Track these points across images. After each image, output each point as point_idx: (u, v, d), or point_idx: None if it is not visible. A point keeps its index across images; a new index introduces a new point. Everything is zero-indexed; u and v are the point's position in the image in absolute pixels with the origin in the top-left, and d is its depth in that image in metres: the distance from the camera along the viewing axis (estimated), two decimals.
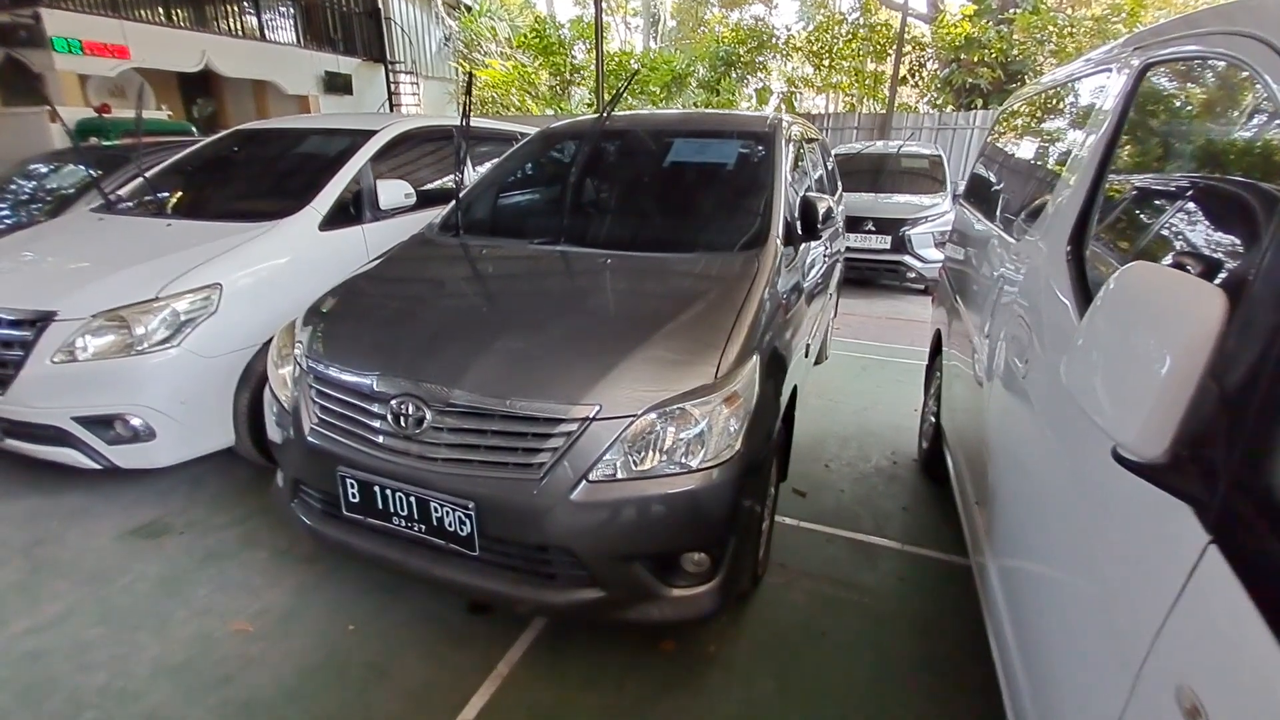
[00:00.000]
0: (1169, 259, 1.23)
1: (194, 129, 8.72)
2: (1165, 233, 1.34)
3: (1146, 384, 0.80)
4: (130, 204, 3.64)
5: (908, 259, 7.18)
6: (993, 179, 3.27)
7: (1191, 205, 1.29)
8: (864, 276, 7.50)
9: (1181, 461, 0.82)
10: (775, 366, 2.19)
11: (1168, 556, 0.85)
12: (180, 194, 3.75)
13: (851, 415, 4.05)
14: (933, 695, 2.01)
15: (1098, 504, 1.12)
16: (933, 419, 3.20)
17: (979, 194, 3.39)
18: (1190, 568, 0.80)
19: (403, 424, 1.88)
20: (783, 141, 3.02)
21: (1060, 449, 1.36)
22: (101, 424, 2.69)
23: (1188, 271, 0.96)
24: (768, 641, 2.21)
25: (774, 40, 16.87)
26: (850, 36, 16.09)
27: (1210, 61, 1.31)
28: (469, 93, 3.09)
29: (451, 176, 3.47)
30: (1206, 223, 1.24)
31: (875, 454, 3.54)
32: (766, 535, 2.42)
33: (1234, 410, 0.79)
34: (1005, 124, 3.49)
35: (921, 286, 7.52)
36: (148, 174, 3.71)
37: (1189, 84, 1.50)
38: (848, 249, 6.31)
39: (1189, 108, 1.50)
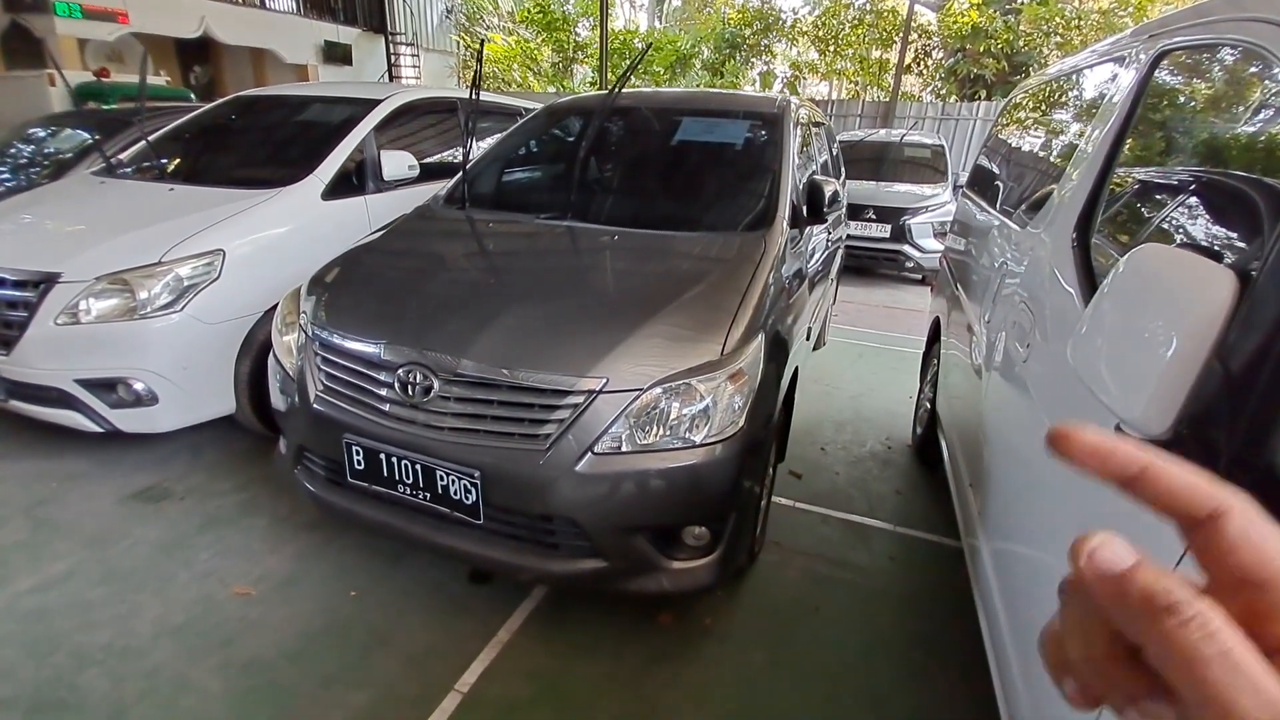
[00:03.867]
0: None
1: (192, 96, 8.61)
2: (1170, 225, 1.36)
3: (1153, 363, 0.82)
4: (131, 168, 3.61)
5: (907, 248, 7.20)
6: (996, 170, 3.28)
7: (1200, 198, 1.31)
8: (863, 264, 7.52)
9: (1183, 439, 0.84)
10: (778, 348, 2.21)
11: (1164, 533, 0.88)
12: (182, 159, 3.72)
13: (848, 400, 4.08)
14: (920, 671, 2.06)
15: (1093, 485, 1.15)
16: (928, 405, 3.24)
17: (982, 184, 3.40)
18: (1186, 544, 0.83)
19: (409, 392, 1.89)
20: (791, 124, 3.02)
21: None
22: (104, 387, 2.69)
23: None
24: (762, 616, 2.25)
25: (780, 23, 16.71)
26: (856, 22, 15.96)
27: (1224, 49, 1.32)
28: (480, 62, 3.07)
29: (456, 149, 3.46)
30: (1215, 216, 1.26)
31: (870, 438, 3.59)
32: (764, 514, 2.46)
33: (1238, 391, 0.82)
34: (1010, 115, 3.49)
35: (919, 276, 7.54)
36: (150, 138, 3.68)
37: (1202, 74, 1.51)
38: (848, 236, 6.32)
39: (1202, 98, 1.51)
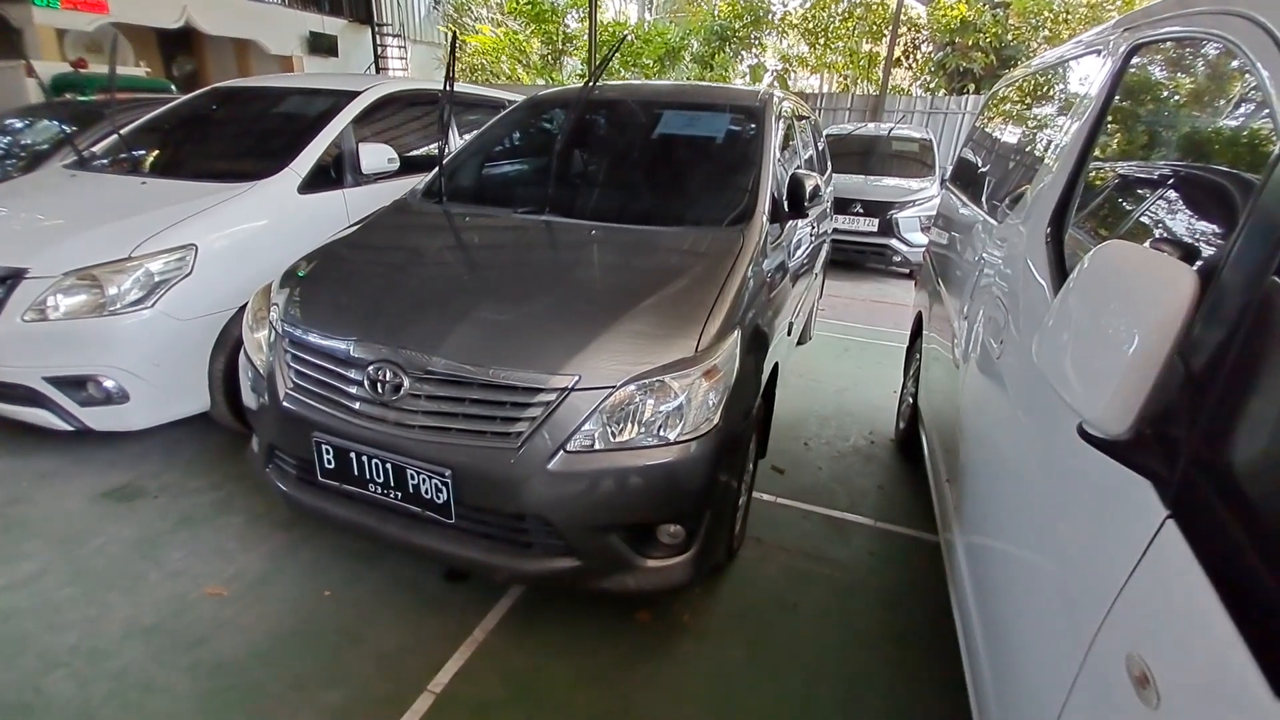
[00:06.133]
0: (1147, 244, 1.23)
1: (173, 87, 8.49)
2: (1145, 218, 1.35)
3: (1115, 361, 0.81)
4: (104, 161, 3.55)
5: (894, 242, 7.19)
6: (979, 162, 3.27)
7: (1172, 191, 1.30)
8: (850, 259, 7.51)
9: (1144, 438, 0.83)
10: (756, 343, 2.19)
11: (1126, 530, 0.87)
12: (156, 152, 3.66)
13: (832, 395, 4.08)
14: (898, 665, 2.06)
15: (1062, 481, 1.14)
16: (911, 400, 3.23)
17: (964, 177, 3.39)
18: (1147, 541, 0.82)
19: (380, 390, 1.87)
20: (773, 117, 2.99)
21: (1029, 428, 1.37)
22: (73, 385, 2.64)
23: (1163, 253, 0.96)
24: (741, 612, 2.24)
25: (770, 16, 16.65)
26: (846, 15, 15.93)
27: (1199, 43, 1.31)
28: (453, 54, 3.03)
29: (436, 143, 3.41)
30: (1185, 209, 1.25)
31: (853, 433, 3.58)
32: (744, 510, 2.45)
33: (1198, 390, 0.80)
34: (993, 108, 3.48)
35: (906, 270, 7.54)
36: (123, 131, 3.61)
37: (1176, 67, 1.49)
38: (835, 230, 6.31)
39: (1175, 92, 1.50)
